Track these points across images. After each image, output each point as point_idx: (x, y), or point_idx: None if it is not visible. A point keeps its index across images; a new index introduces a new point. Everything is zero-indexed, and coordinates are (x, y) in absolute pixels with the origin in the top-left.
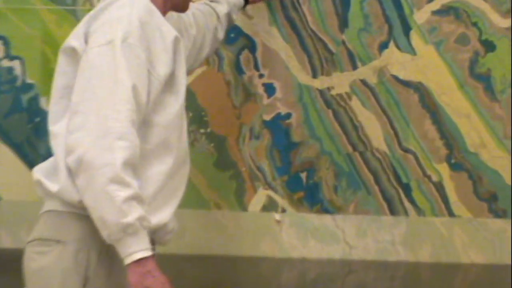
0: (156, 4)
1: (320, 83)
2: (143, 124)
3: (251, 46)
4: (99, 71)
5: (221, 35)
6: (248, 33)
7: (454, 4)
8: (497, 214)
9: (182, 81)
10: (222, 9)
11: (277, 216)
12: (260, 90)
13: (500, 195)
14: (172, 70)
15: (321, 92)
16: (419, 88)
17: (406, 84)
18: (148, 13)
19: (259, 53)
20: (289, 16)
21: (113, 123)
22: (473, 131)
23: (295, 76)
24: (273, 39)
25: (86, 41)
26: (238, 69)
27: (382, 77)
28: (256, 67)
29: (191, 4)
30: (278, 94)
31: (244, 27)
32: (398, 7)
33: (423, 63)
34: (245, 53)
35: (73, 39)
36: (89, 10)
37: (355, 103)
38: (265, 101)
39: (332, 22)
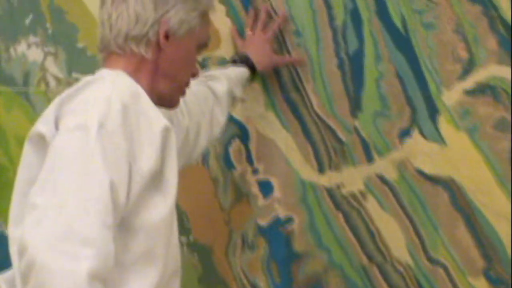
0: (142, 89)
1: (327, 179)
2: (121, 229)
3: (243, 135)
4: (67, 160)
5: (221, 119)
6: (239, 119)
7: (490, 81)
8: None
9: (173, 179)
10: (221, 87)
11: None
12: (254, 188)
13: None
14: (159, 166)
15: (329, 190)
16: (449, 185)
17: (433, 180)
18: (132, 95)
19: (252, 144)
20: (290, 98)
21: (79, 224)
22: None
23: (297, 171)
24: (269, 126)
25: (56, 126)
26: (227, 163)
27: (404, 172)
28: (249, 161)
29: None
30: (276, 193)
31: (234, 112)
32: (423, 85)
33: (454, 155)
34: (236, 143)
35: (41, 124)
36: (44, 92)
37: (371, 204)
38: (261, 202)
39: (342, 104)
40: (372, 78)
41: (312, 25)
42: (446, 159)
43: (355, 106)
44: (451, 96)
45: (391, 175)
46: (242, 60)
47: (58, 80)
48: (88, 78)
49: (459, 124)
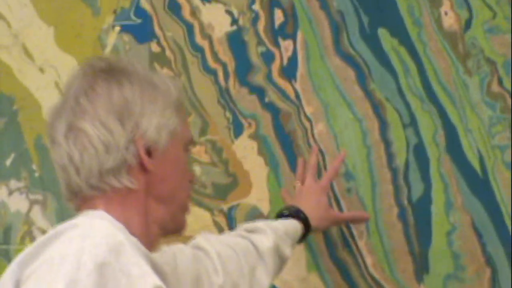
0: (134, 232)
1: None
2: None
3: None
4: None
5: (265, 282)
6: (274, 284)
7: None
8: None
9: None
10: (266, 241)
11: None
12: None
13: None
14: None
15: None
16: None
17: None
18: (111, 249)
19: None
20: (338, 256)
21: None
22: None
23: None
24: None
25: None
26: None
27: None
28: None
29: (215, 237)
30: None
31: None
32: (506, 241)
33: None
34: None
35: None
36: None
37: None
38: None
39: (404, 265)
40: (442, 231)
41: (367, 166)
42: None
43: (421, 267)
44: None
45: None
46: (292, 213)
47: None
48: (56, 228)
49: None
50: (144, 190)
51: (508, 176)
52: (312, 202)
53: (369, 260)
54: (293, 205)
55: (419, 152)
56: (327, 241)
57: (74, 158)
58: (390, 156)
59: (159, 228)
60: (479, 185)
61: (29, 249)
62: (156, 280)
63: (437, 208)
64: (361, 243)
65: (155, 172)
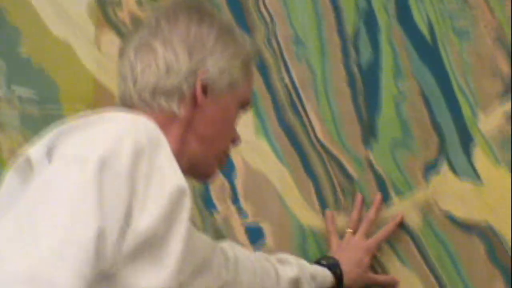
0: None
1: None
2: (101, 281)
3: (227, 167)
4: (53, 195)
5: None
6: None
7: None
8: None
9: (175, 250)
10: (289, 271)
11: None
12: (241, 235)
13: None
14: (162, 231)
15: None
16: (485, 233)
17: (466, 227)
18: (151, 141)
19: (239, 179)
20: (286, 122)
21: (51, 270)
22: None
23: (294, 214)
24: (261, 157)
25: (48, 156)
26: (206, 203)
27: (430, 217)
28: (235, 201)
29: (240, 248)
30: (269, 240)
31: None
32: (454, 108)
33: (492, 196)
34: (218, 181)
35: (30, 149)
36: None
37: (387, 256)
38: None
39: (352, 131)
40: (391, 98)
41: (316, 32)
42: (482, 202)
43: (369, 134)
44: (489, 122)
45: (414, 220)
46: (329, 266)
47: None
48: (102, 114)
49: (498, 158)
50: (188, 122)
51: (457, 45)
52: (353, 259)
53: (317, 126)
54: (333, 257)
55: (369, 19)
56: (275, 105)
57: (135, 70)
58: (340, 23)
59: (189, 163)
60: (428, 52)
61: (72, 122)
62: (184, 183)
63: (386, 75)
64: (310, 109)
65: (203, 110)
